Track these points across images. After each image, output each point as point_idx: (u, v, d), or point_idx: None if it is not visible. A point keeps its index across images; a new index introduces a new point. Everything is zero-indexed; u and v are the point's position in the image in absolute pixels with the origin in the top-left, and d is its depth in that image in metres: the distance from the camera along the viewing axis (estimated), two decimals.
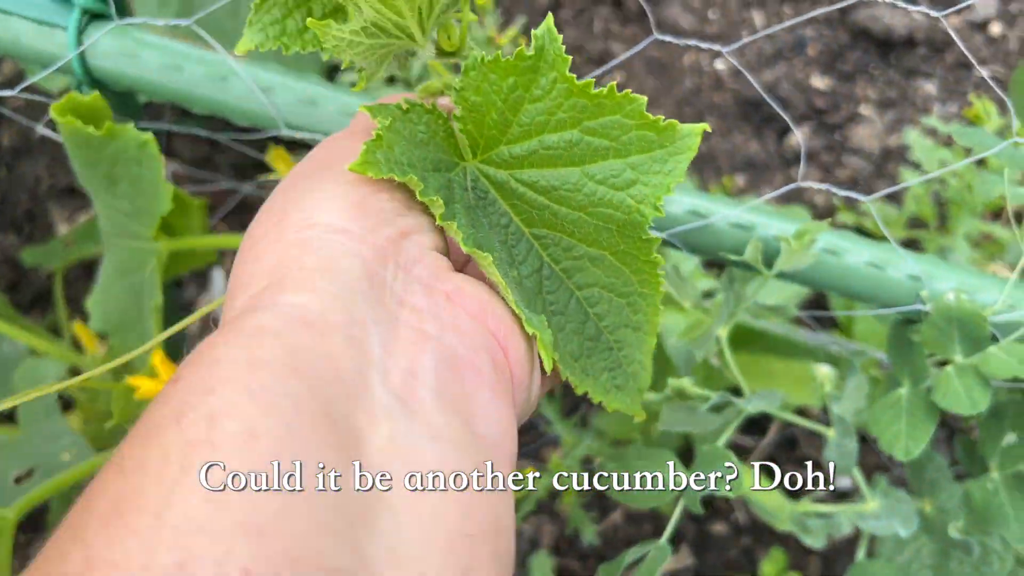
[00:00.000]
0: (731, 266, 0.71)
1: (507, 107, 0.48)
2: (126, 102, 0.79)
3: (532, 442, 1.26)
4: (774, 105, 0.67)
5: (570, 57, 0.47)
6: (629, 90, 0.48)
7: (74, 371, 1.04)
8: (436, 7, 0.50)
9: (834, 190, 0.62)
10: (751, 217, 0.68)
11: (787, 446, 1.28)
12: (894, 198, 1.35)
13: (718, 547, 1.24)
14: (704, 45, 0.62)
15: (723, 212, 0.67)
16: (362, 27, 0.48)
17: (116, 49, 0.70)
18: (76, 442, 0.86)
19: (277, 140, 0.91)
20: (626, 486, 0.73)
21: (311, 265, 0.40)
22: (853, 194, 0.62)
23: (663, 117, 0.48)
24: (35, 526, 1.12)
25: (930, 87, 1.38)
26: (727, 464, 0.68)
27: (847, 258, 0.68)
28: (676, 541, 1.32)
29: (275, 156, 0.92)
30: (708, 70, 1.42)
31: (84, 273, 1.29)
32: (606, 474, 0.73)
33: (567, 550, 1.23)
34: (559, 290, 0.50)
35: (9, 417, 1.04)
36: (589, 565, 1.22)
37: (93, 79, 0.71)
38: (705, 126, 0.49)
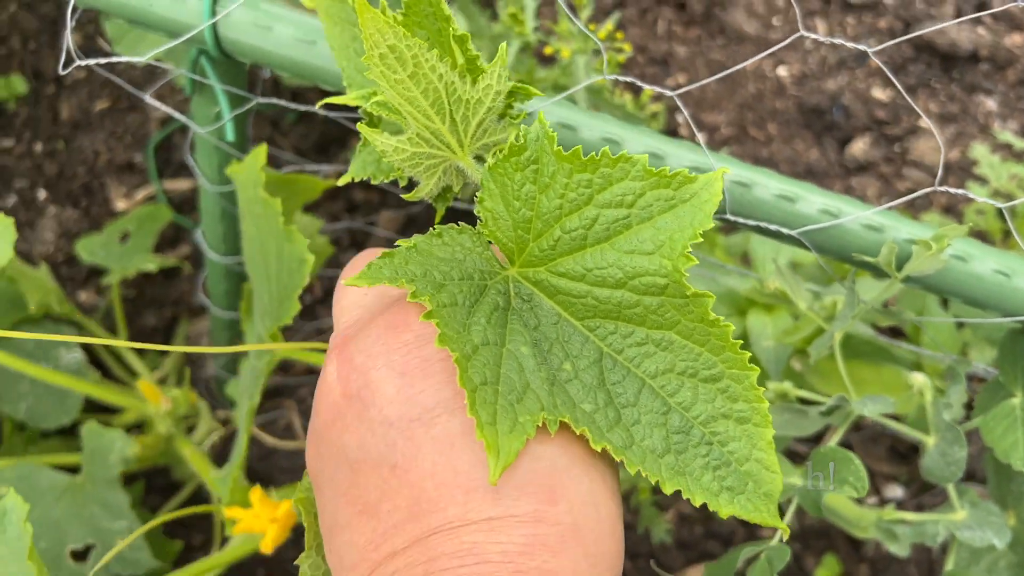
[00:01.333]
0: (856, 268, 0.71)
1: (523, 205, 0.48)
2: (235, 75, 0.78)
3: None
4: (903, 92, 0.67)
5: (556, 134, 0.48)
6: (625, 152, 0.47)
7: (138, 422, 1.03)
8: (474, 120, 0.50)
9: (971, 195, 0.62)
10: (882, 220, 0.68)
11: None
12: (951, 212, 1.36)
13: None
14: (850, 44, 0.62)
15: (855, 213, 0.67)
16: (408, 136, 0.50)
17: (250, 21, 0.69)
18: (131, 527, 0.85)
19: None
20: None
21: None
22: (990, 200, 0.62)
23: (668, 169, 0.47)
24: None
25: (991, 103, 1.39)
26: (852, 465, 0.67)
27: (974, 265, 0.68)
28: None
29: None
30: (771, 76, 1.42)
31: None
32: None
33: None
34: (626, 380, 0.47)
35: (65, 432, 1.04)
36: (639, 565, 1.22)
37: (222, 50, 0.70)
38: (725, 170, 0.48)
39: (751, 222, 0.69)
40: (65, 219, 1.27)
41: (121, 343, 0.53)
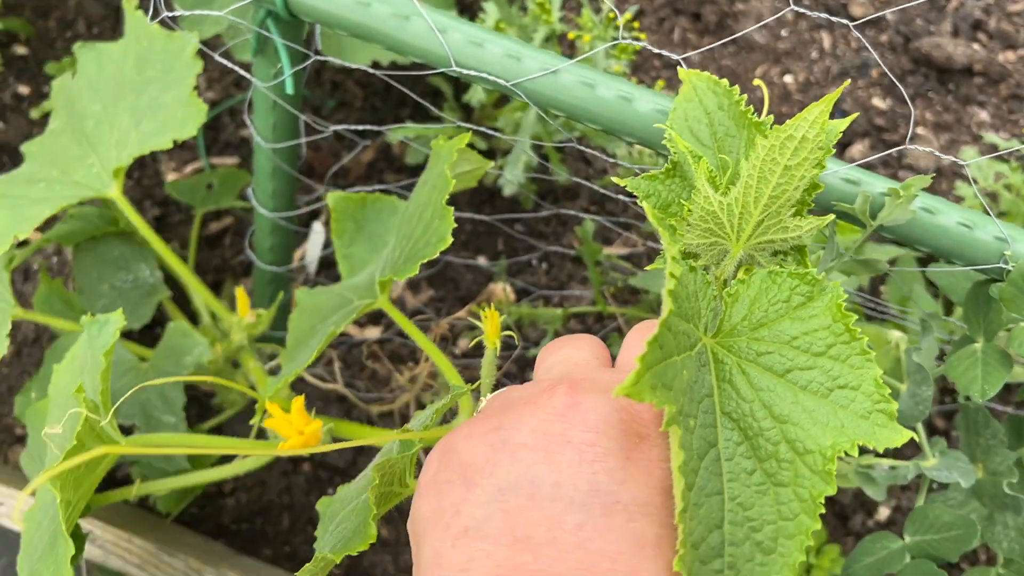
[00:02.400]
0: (836, 218, 0.80)
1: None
2: (296, 36, 0.89)
3: None
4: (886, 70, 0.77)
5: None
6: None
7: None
8: (754, 216, 0.56)
9: (938, 154, 0.72)
10: (860, 175, 0.77)
11: None
12: None
13: None
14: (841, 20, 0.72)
15: (834, 168, 0.77)
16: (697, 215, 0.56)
17: None
18: (178, 425, 0.95)
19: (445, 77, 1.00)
20: None
21: None
22: (956, 159, 0.72)
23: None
24: None
25: (984, 115, 1.49)
26: None
27: (940, 217, 0.77)
28: None
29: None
30: (778, 83, 1.52)
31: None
32: None
33: None
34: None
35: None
36: None
37: (290, 11, 0.81)
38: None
39: None
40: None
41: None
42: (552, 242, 1.42)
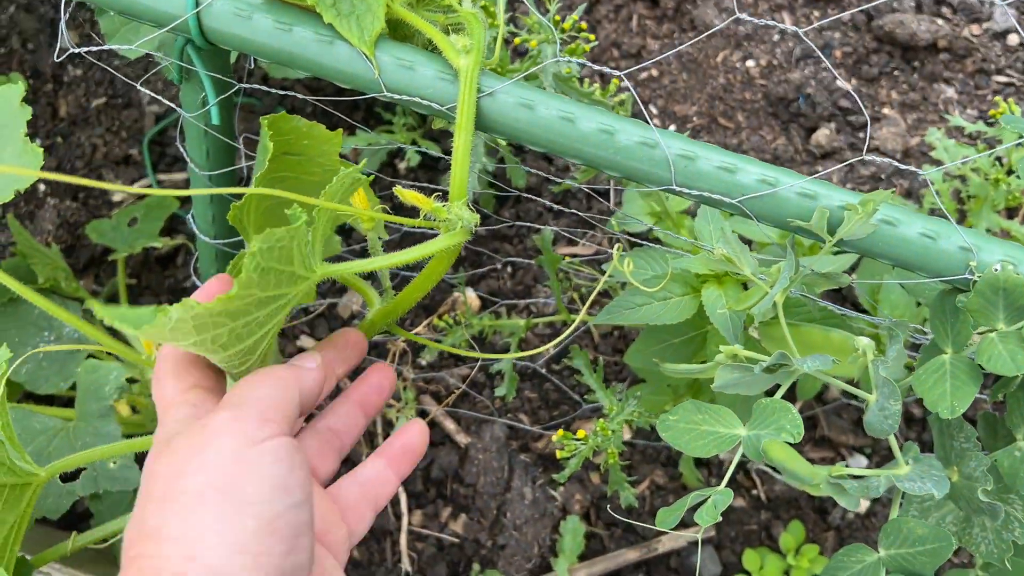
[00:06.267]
0: (794, 234, 0.76)
1: None
2: (220, 63, 0.84)
3: (564, 415, 1.31)
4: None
5: None
6: None
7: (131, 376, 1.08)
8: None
9: (896, 164, 0.68)
10: (816, 188, 0.73)
11: (808, 427, 1.33)
12: (912, 196, 1.42)
13: (738, 520, 1.29)
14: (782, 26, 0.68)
15: (790, 181, 0.73)
16: None
17: (230, 10, 0.75)
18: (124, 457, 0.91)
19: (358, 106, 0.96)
20: (686, 437, 0.78)
21: None
22: (912, 168, 0.68)
23: None
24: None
25: (951, 92, 1.45)
26: (790, 415, 0.73)
27: (902, 229, 0.74)
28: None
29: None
30: (740, 68, 1.48)
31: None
32: (668, 424, 0.79)
33: (595, 518, 1.28)
34: None
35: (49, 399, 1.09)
36: (615, 533, 1.27)
37: (206, 39, 0.76)
38: None
39: (695, 192, 0.75)
40: (64, 210, 1.32)
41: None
42: (516, 244, 1.38)
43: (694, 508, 0.79)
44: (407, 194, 0.78)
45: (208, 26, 0.75)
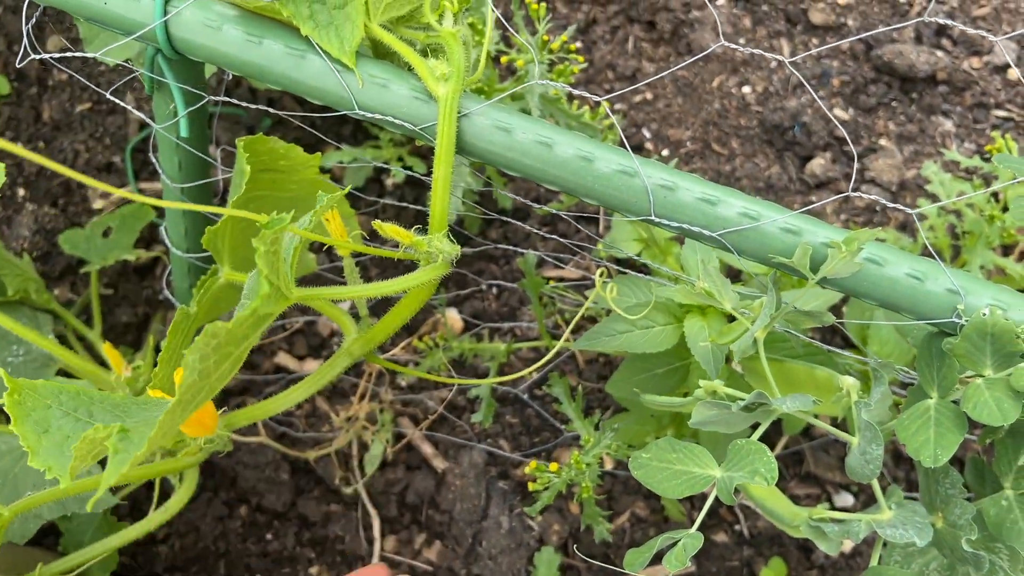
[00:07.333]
0: (776, 270, 0.74)
1: None
2: (191, 74, 0.82)
3: (546, 442, 1.28)
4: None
5: None
6: None
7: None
8: None
9: (883, 202, 0.65)
10: (800, 223, 0.71)
11: (794, 463, 1.30)
12: (907, 229, 1.39)
13: (719, 556, 1.26)
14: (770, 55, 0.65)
15: (773, 216, 0.70)
16: None
17: (199, 20, 0.72)
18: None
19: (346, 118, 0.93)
20: (660, 476, 0.75)
21: None
22: (901, 207, 0.66)
23: None
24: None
25: (949, 124, 1.42)
26: (764, 458, 0.70)
27: (888, 269, 0.71)
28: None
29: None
30: (736, 93, 1.45)
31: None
32: (641, 461, 0.76)
33: (573, 551, 1.25)
34: None
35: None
36: (593, 567, 1.24)
37: (174, 49, 0.74)
38: None
39: (674, 224, 0.72)
40: (42, 216, 1.30)
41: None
42: (503, 265, 1.36)
43: (665, 550, 0.76)
44: (386, 228, 0.75)
45: (176, 36, 0.73)
